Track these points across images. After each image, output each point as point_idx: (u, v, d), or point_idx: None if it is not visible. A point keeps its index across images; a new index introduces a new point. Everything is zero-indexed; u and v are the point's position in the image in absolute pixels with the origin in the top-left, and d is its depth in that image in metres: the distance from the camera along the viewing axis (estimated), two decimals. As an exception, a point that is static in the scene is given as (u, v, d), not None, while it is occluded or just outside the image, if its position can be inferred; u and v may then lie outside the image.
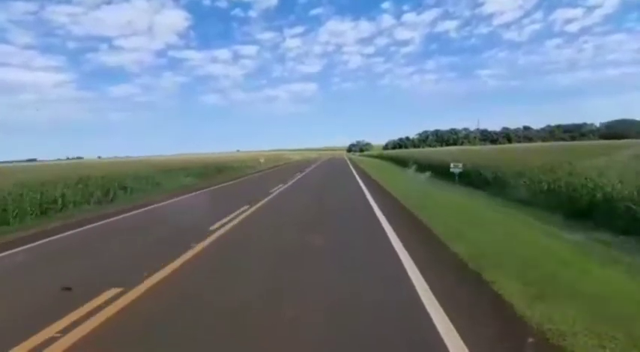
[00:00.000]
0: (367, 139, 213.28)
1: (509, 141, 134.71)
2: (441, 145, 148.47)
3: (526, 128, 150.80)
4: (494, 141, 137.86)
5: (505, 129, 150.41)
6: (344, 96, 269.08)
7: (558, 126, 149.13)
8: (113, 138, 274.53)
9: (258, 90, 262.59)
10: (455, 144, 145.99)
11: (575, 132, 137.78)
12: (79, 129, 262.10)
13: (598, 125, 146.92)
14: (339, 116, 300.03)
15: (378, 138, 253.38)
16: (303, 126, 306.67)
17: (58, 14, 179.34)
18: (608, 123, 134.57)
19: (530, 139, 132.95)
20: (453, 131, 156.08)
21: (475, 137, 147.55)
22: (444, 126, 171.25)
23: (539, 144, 77.22)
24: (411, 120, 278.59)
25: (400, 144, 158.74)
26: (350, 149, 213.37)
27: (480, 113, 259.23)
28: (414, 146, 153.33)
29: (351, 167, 29.08)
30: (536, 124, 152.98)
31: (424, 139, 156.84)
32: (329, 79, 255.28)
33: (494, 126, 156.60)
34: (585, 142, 66.03)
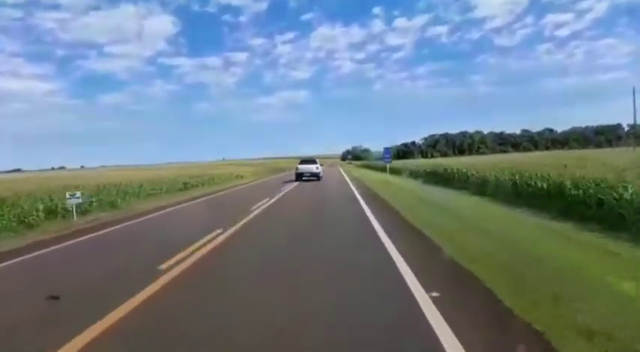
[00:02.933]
0: (365, 145, 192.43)
1: (535, 146, 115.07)
2: (454, 151, 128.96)
3: (549, 130, 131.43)
4: (515, 146, 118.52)
5: (525, 131, 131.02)
6: (337, 103, 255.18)
7: (586, 127, 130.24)
8: (102, 147, 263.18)
9: (249, 98, 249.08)
10: (469, 150, 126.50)
11: (609, 134, 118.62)
12: (68, 139, 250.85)
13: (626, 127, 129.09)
14: (332, 122, 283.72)
15: (376, 143, 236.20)
16: (295, 133, 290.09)
17: (46, 20, 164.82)
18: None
19: (563, 144, 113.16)
20: (466, 134, 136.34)
21: (493, 141, 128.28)
22: (442, 130, 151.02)
23: (606, 150, 57.03)
24: (410, 125, 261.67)
25: (405, 150, 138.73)
26: (345, 157, 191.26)
27: (481, 117, 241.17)
28: (422, 152, 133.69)
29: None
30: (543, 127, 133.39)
31: (433, 144, 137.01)
32: (321, 84, 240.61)
33: (499, 129, 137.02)
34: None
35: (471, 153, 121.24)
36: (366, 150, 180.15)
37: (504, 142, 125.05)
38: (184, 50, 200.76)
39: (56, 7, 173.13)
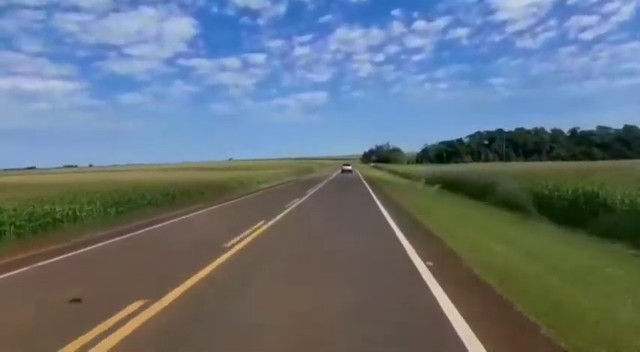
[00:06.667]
0: (393, 143, 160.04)
1: (628, 146, 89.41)
2: (517, 153, 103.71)
3: (632, 126, 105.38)
4: (603, 147, 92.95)
5: (603, 128, 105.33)
6: (356, 104, 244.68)
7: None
8: (115, 146, 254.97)
9: (268, 99, 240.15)
10: (538, 151, 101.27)
11: None
12: (84, 138, 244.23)
13: None
14: (351, 123, 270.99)
15: (407, 143, 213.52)
16: (313, 134, 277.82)
17: (67, 22, 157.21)
18: None
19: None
20: (529, 132, 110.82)
21: (568, 140, 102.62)
22: (469, 131, 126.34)
23: None
24: (438, 126, 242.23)
25: (450, 150, 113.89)
26: (367, 158, 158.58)
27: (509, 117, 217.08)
28: (472, 153, 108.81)
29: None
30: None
31: (487, 144, 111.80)
32: (339, 87, 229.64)
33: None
34: None
35: (540, 155, 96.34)
36: (396, 150, 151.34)
37: (582, 142, 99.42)
38: (203, 52, 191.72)
39: (76, 9, 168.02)
